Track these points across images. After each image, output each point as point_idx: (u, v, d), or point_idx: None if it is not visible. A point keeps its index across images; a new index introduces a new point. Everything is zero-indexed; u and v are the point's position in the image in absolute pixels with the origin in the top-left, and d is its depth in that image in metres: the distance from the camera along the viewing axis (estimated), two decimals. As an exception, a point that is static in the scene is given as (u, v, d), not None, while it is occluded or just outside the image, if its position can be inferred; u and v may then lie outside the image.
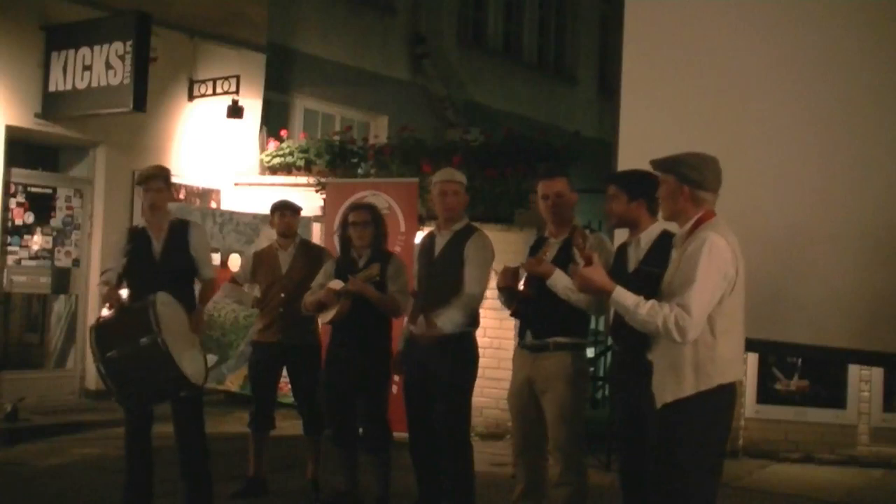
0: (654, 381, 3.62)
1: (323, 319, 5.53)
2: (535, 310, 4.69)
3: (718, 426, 3.65)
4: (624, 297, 3.51)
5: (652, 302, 3.47)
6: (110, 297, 4.92)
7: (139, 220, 5.30)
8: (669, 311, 3.41)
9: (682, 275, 3.47)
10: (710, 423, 3.59)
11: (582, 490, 4.62)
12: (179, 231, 5.19)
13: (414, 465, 5.29)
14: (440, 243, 5.15)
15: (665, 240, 4.10)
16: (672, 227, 4.06)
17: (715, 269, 3.46)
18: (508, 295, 4.78)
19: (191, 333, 4.96)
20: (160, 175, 5.26)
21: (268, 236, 8.26)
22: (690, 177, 3.64)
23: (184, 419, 5.14)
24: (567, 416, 4.58)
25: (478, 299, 5.01)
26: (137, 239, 5.19)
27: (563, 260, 4.69)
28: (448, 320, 4.94)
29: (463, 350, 4.93)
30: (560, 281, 4.55)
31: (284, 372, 6.14)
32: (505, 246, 6.78)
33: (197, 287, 5.35)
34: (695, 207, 3.64)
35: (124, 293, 5.10)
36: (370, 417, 5.51)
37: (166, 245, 5.14)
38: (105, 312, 4.92)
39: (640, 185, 4.37)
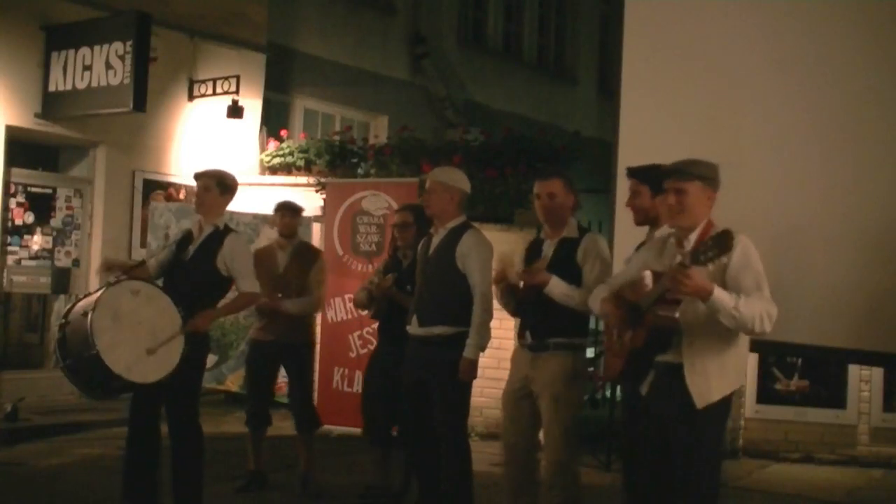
0: (694, 383, 3.60)
1: (369, 314, 5.99)
2: (534, 310, 4.69)
3: (727, 422, 3.85)
4: (724, 295, 3.49)
5: (743, 297, 3.51)
6: (113, 264, 4.99)
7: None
8: (760, 304, 3.50)
9: (750, 276, 3.56)
10: (727, 418, 3.80)
11: (574, 492, 4.61)
12: (214, 239, 5.04)
13: (414, 465, 5.29)
14: (435, 242, 5.13)
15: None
16: None
17: (762, 267, 3.60)
18: (509, 296, 4.79)
19: (167, 335, 4.73)
20: (212, 175, 5.16)
21: (267, 236, 8.27)
22: (714, 178, 3.71)
23: (172, 406, 5.02)
24: (563, 416, 4.58)
25: (490, 299, 4.96)
26: (184, 238, 5.17)
27: (559, 260, 4.69)
28: (475, 346, 4.91)
29: (461, 350, 4.93)
30: (557, 287, 4.55)
31: (284, 371, 6.18)
32: (505, 246, 6.75)
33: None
34: (709, 210, 3.71)
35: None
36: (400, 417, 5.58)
37: (197, 250, 5.06)
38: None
39: (662, 180, 4.38)
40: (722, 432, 3.82)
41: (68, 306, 4.83)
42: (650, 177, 4.41)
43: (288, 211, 6.14)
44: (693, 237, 3.69)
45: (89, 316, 4.52)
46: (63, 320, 4.71)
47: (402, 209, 5.94)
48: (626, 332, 3.78)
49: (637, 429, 4.09)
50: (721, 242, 3.41)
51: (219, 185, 5.10)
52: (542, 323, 4.68)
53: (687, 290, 3.46)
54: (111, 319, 4.59)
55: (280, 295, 5.96)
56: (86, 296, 4.89)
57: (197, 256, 5.05)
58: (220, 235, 5.06)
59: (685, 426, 3.61)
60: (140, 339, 4.65)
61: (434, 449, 5.04)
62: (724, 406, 3.68)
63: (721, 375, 3.62)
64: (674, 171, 3.74)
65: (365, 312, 6.76)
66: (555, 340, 4.65)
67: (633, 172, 4.50)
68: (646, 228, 4.49)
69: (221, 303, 5.18)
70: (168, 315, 4.80)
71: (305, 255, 6.13)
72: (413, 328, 5.07)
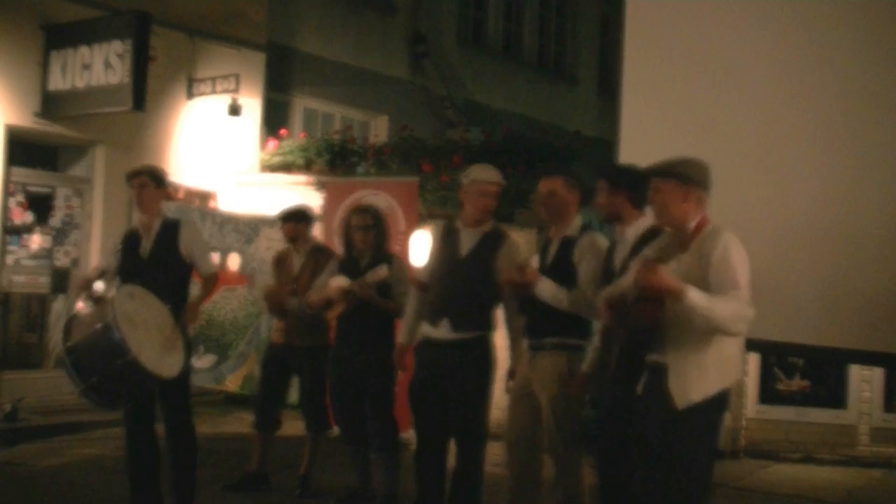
0: (673, 383, 3.56)
1: (329, 315, 5.67)
2: (530, 309, 4.67)
3: (720, 423, 3.73)
4: (697, 295, 3.42)
5: (718, 298, 3.45)
6: (79, 287, 5.00)
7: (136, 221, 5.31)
8: (737, 302, 3.45)
9: (728, 273, 3.50)
10: (718, 420, 3.67)
11: (578, 492, 4.59)
12: (170, 230, 5.17)
13: (417, 466, 5.22)
14: (467, 242, 5.02)
15: (653, 236, 4.06)
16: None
17: (747, 267, 3.54)
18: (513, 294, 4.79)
19: (171, 329, 4.87)
20: (143, 172, 5.27)
21: (267, 236, 8.27)
22: (695, 177, 3.66)
23: (169, 404, 5.11)
24: (562, 417, 4.55)
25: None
26: (129, 239, 5.24)
27: (561, 259, 4.66)
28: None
29: (481, 354, 4.92)
30: (545, 289, 4.51)
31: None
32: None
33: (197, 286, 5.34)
34: (697, 209, 3.66)
35: (98, 285, 5.16)
36: (377, 416, 5.57)
37: (155, 245, 5.14)
38: (81, 305, 4.91)
39: (621, 177, 4.38)
40: (708, 436, 3.63)
41: (62, 331, 4.80)
42: (608, 173, 4.45)
43: (283, 218, 6.21)
44: (690, 231, 3.66)
45: (114, 325, 4.54)
46: (68, 345, 4.67)
47: (362, 211, 5.81)
48: (617, 331, 3.82)
49: (616, 431, 4.06)
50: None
51: (153, 179, 5.24)
52: (539, 322, 4.66)
53: (655, 288, 3.44)
54: (129, 325, 4.64)
55: (293, 295, 6.01)
56: (73, 317, 4.86)
57: (160, 250, 5.14)
58: (173, 225, 5.21)
59: (667, 428, 3.57)
60: (153, 337, 4.77)
61: (440, 451, 5.03)
62: (712, 408, 3.58)
63: (701, 376, 3.55)
64: (652, 171, 3.75)
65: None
66: (551, 340, 4.62)
67: (598, 170, 4.54)
68: None
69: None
70: (162, 312, 4.91)
71: (318, 257, 6.15)
72: (441, 332, 4.96)
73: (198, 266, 5.22)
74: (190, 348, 5.16)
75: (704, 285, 3.49)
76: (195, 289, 5.30)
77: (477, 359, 4.92)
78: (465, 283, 4.96)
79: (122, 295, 4.79)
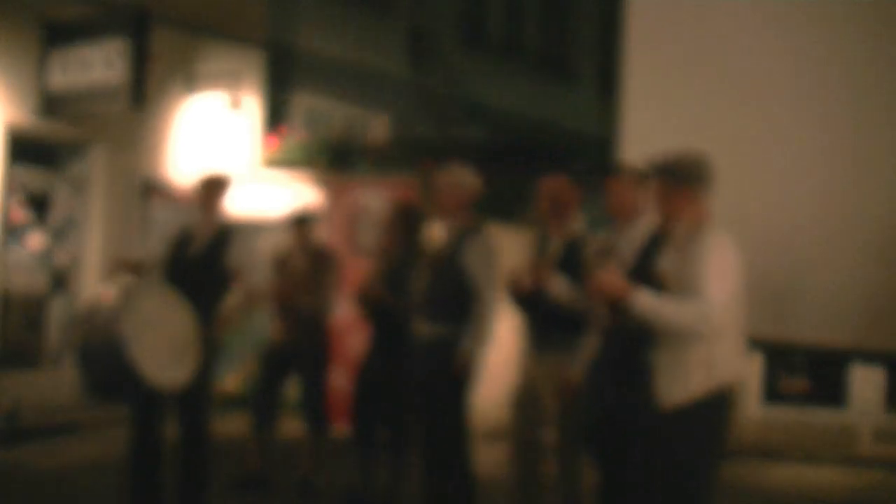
0: (659, 382, 3.54)
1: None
2: (537, 308, 4.64)
3: (721, 426, 3.62)
4: (645, 299, 3.40)
5: (674, 299, 3.41)
6: (115, 270, 4.95)
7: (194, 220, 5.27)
8: (696, 305, 3.38)
9: (701, 270, 3.43)
10: (715, 422, 3.57)
11: (577, 491, 4.58)
12: (224, 237, 5.13)
13: (428, 469, 5.18)
14: (443, 237, 5.07)
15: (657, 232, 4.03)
16: None
17: (731, 264, 3.48)
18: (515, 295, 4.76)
19: (187, 339, 4.78)
20: (219, 176, 5.28)
21: (267, 236, 8.25)
22: (690, 176, 3.63)
23: (184, 408, 5.05)
24: (565, 416, 4.54)
25: (493, 310, 4.88)
26: (180, 238, 5.19)
27: (566, 260, 4.64)
28: (470, 351, 4.82)
29: (446, 355, 4.86)
30: (561, 288, 4.49)
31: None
32: (505, 242, 6.74)
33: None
34: (692, 206, 3.63)
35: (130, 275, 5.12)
36: (392, 419, 5.57)
37: (205, 248, 5.10)
38: (107, 293, 4.87)
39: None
40: (704, 437, 3.53)
41: (78, 319, 4.80)
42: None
43: (297, 222, 6.24)
44: (686, 228, 3.63)
45: (124, 320, 4.51)
46: (83, 334, 4.67)
47: (395, 209, 5.81)
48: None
49: (616, 431, 4.03)
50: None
51: (224, 185, 5.23)
52: (542, 321, 4.65)
53: (602, 294, 3.45)
54: (141, 324, 4.61)
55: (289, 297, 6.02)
56: (94, 306, 4.85)
57: (209, 255, 5.09)
58: (229, 232, 5.17)
59: (656, 428, 3.54)
60: (164, 343, 4.71)
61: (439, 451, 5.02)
62: (705, 410, 3.50)
63: (685, 376, 3.48)
64: (648, 167, 3.78)
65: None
66: (555, 338, 4.61)
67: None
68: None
69: None
70: (185, 320, 4.81)
71: (316, 258, 6.16)
72: (416, 325, 4.98)
73: (244, 277, 5.13)
74: (210, 360, 4.98)
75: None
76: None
77: (442, 357, 4.84)
78: (433, 277, 4.99)
79: (145, 292, 4.74)
